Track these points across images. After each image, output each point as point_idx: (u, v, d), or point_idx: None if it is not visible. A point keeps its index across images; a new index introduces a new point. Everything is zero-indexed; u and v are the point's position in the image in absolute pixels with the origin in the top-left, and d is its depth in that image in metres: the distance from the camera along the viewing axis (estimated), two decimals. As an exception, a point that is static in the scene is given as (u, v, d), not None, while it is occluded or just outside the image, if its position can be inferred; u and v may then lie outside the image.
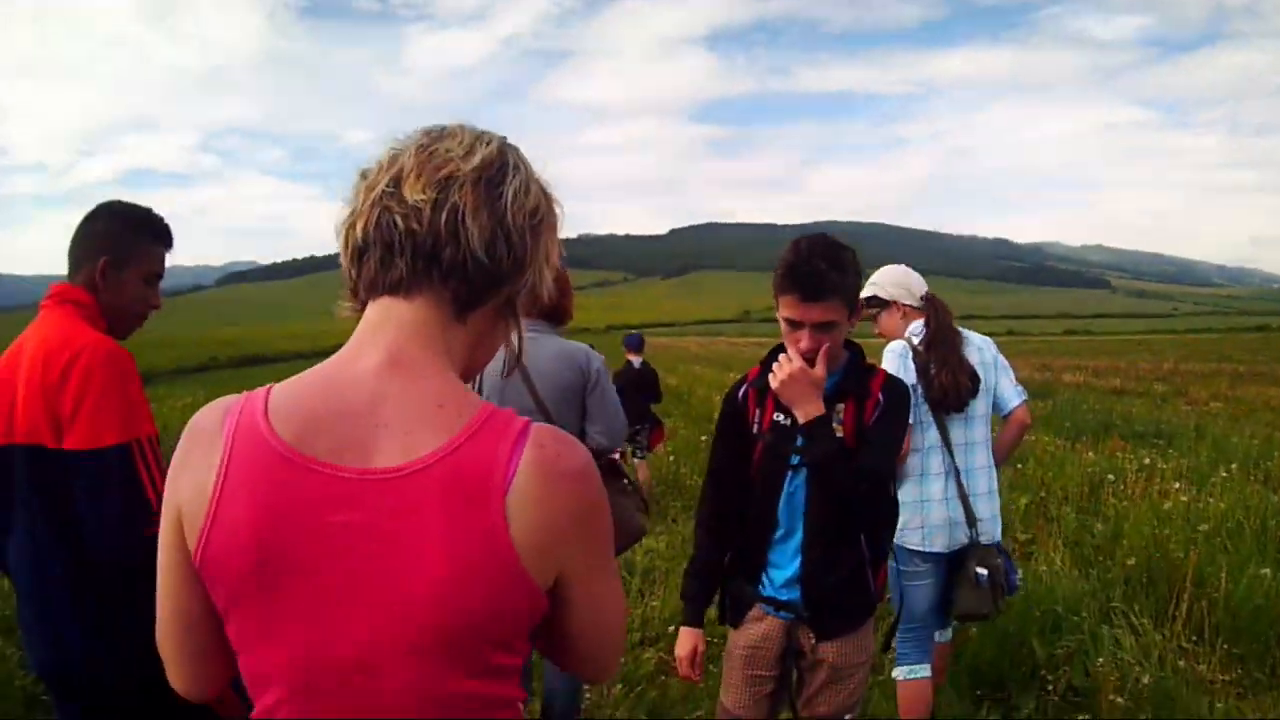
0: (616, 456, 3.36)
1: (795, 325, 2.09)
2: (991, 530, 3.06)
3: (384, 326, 0.98)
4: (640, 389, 7.93)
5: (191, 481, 0.95)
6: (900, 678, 3.17)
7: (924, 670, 3.16)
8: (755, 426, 2.28)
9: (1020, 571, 4.43)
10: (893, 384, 2.23)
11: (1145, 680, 3.42)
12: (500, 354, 3.22)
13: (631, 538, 3.32)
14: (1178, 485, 6.30)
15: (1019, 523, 6.00)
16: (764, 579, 2.29)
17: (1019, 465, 7.49)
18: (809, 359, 2.09)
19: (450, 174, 0.96)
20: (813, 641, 2.24)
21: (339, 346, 1.02)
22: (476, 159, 0.98)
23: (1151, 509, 5.68)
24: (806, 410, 2.08)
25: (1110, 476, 6.69)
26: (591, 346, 3.20)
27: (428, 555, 0.89)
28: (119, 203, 2.03)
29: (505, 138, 1.04)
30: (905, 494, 2.98)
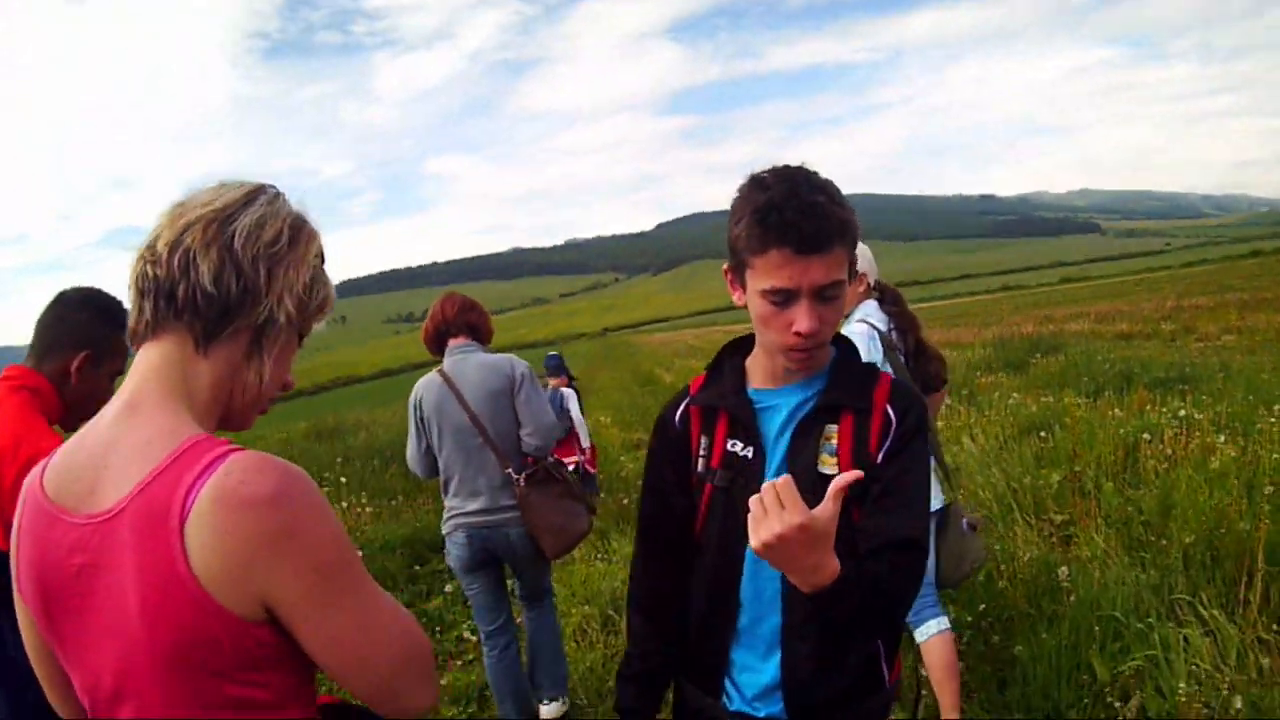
0: (570, 460, 3.68)
1: (785, 298, 1.38)
2: None
3: (133, 373, 1.05)
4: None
5: (11, 532, 1.07)
6: (923, 639, 3.06)
7: (945, 622, 3.10)
8: (700, 461, 1.56)
9: (1067, 568, 3.87)
10: (905, 395, 1.49)
11: (1238, 705, 2.78)
12: (435, 380, 3.46)
13: (574, 539, 3.43)
14: (1223, 439, 5.62)
15: (1052, 501, 5.35)
16: (728, 687, 1.58)
17: (1042, 434, 6.82)
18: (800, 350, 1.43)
19: (189, 221, 1.02)
20: None
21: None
22: (217, 203, 1.04)
23: (1198, 471, 5.02)
24: (814, 581, 1.26)
25: (1145, 436, 6.01)
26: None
27: (129, 590, 0.93)
28: (100, 294, 1.98)
29: (269, 186, 1.09)
30: None
